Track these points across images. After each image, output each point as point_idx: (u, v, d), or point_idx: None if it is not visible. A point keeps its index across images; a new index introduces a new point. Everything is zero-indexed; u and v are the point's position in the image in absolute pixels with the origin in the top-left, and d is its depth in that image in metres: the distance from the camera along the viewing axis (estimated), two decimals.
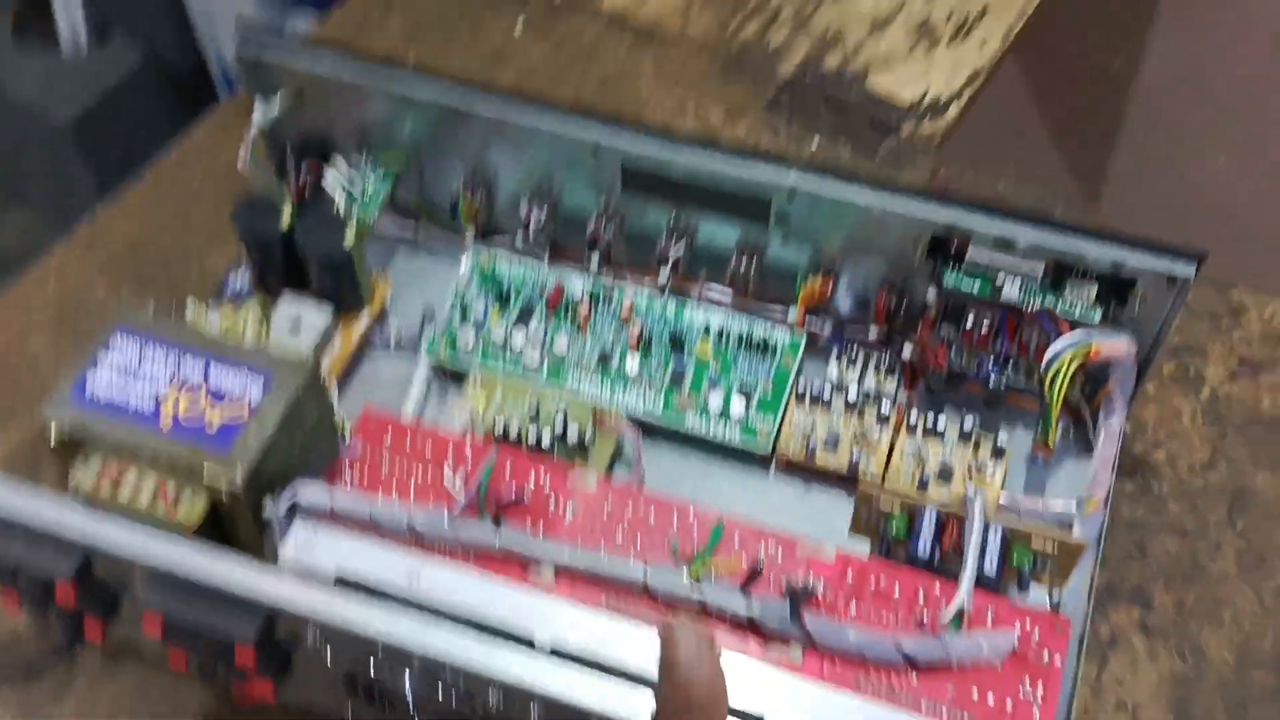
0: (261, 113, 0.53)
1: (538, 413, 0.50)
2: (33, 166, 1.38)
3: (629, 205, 0.53)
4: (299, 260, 0.53)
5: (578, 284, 0.54)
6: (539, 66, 0.68)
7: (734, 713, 0.36)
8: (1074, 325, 0.47)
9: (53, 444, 0.44)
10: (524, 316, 0.53)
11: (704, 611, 0.41)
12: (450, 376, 0.53)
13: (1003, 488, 0.49)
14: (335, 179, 0.54)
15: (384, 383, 0.54)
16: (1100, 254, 0.46)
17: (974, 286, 0.48)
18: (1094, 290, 0.47)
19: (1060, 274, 0.47)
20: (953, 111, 0.65)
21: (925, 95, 0.66)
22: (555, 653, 0.38)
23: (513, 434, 0.50)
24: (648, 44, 0.68)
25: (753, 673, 0.39)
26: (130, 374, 0.45)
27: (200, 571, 0.39)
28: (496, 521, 0.42)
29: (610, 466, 0.50)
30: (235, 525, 0.45)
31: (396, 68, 0.52)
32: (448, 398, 0.53)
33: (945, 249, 0.48)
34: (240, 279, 0.54)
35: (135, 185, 0.64)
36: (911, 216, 0.47)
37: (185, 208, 0.63)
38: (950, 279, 0.48)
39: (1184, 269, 0.45)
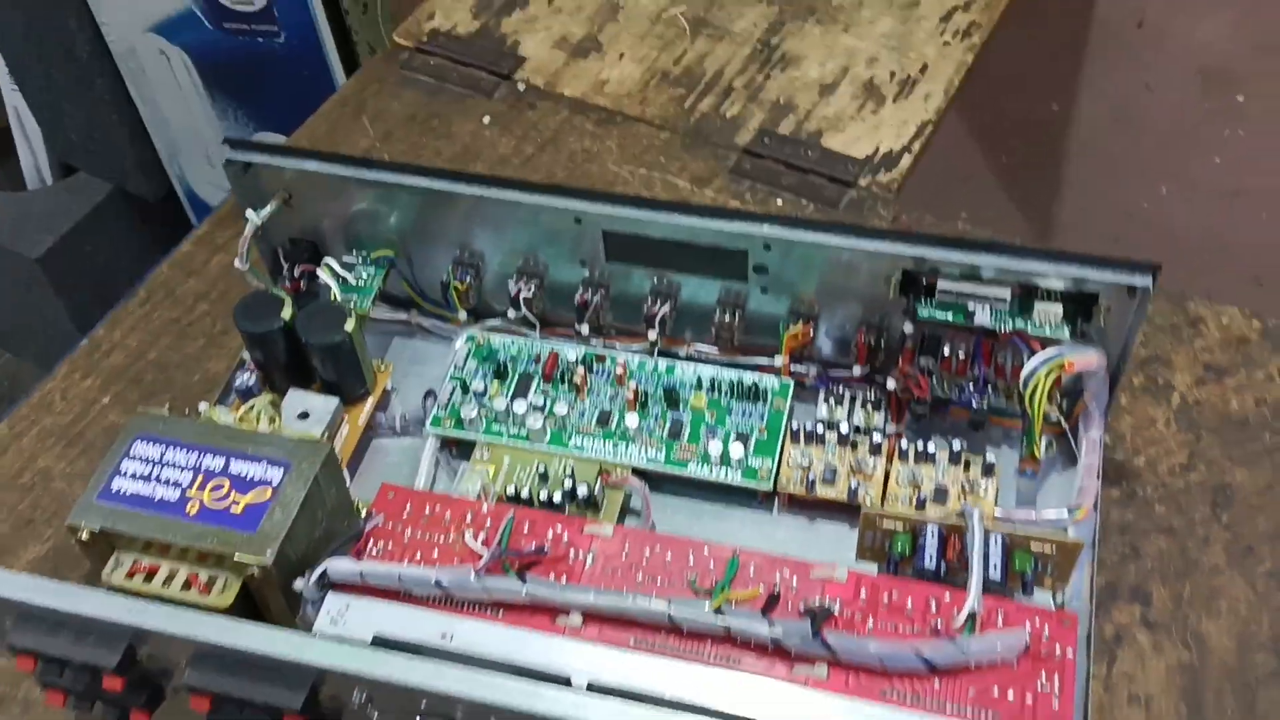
0: (253, 216, 0.56)
1: (546, 474, 0.52)
2: (5, 300, 1.41)
3: (613, 272, 0.56)
4: (301, 354, 0.55)
5: (571, 352, 0.56)
6: (508, 155, 0.71)
7: None
8: (1045, 344, 0.50)
9: (84, 539, 0.46)
10: (522, 387, 0.56)
11: (728, 639, 0.43)
12: (457, 450, 0.55)
13: (996, 503, 0.51)
14: (328, 274, 0.57)
15: (392, 464, 0.56)
16: (1062, 273, 0.49)
17: (947, 316, 0.51)
18: (1060, 309, 0.50)
19: (1027, 297, 0.50)
20: (905, 162, 0.68)
21: (878, 150, 0.69)
22: (592, 688, 0.40)
23: (524, 497, 0.52)
24: (610, 126, 0.72)
25: (783, 694, 0.41)
26: (154, 475, 0.47)
27: (243, 644, 0.40)
28: (521, 575, 0.44)
29: (621, 518, 0.52)
30: (267, 604, 0.46)
31: (377, 163, 0.55)
32: (456, 470, 0.55)
33: (916, 284, 0.51)
34: (246, 377, 0.56)
35: (127, 302, 0.66)
36: (882, 254, 0.50)
37: (180, 318, 0.65)
38: (924, 311, 0.51)
39: (1142, 279, 0.48)
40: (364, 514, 0.49)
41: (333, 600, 0.45)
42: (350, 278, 0.58)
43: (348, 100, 0.75)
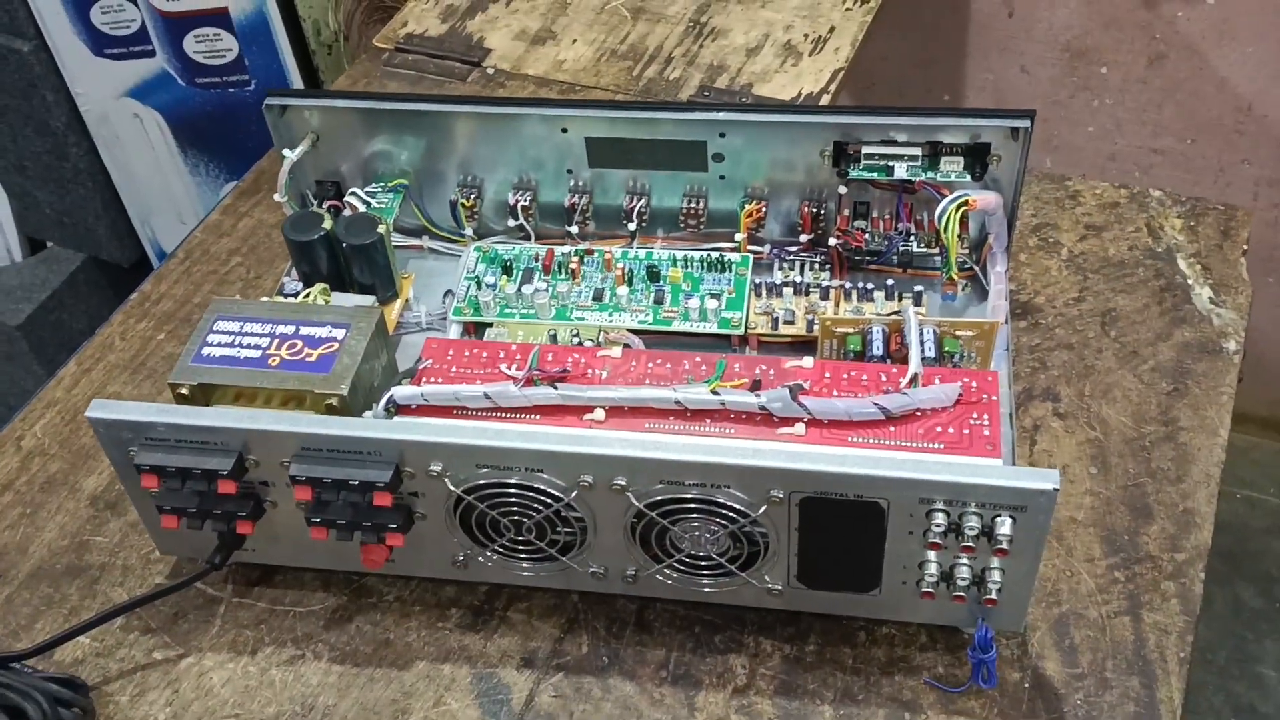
0: (289, 154, 0.66)
1: (555, 338, 0.63)
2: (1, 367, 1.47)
3: (595, 178, 0.67)
4: (340, 261, 0.65)
5: (564, 251, 0.67)
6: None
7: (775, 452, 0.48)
8: (953, 189, 0.62)
9: (184, 393, 0.55)
10: (526, 278, 0.66)
11: (725, 415, 0.53)
12: (476, 335, 0.65)
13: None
14: (356, 199, 0.67)
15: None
16: (959, 124, 0.61)
17: (873, 174, 0.63)
18: (962, 162, 0.62)
19: (934, 154, 0.62)
20: (825, 100, 0.81)
21: (800, 92, 0.82)
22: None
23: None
24: (571, 94, 0.83)
25: (773, 446, 0.51)
26: (237, 342, 0.57)
27: (338, 432, 0.50)
28: (553, 385, 0.54)
29: None
30: None
31: (392, 95, 0.66)
32: None
33: (845, 153, 0.63)
34: (291, 284, 0.66)
35: (166, 263, 0.76)
36: (816, 124, 0.62)
37: (216, 270, 0.75)
38: (853, 172, 0.63)
39: (1021, 121, 0.60)
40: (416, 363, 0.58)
41: (399, 421, 0.55)
42: (375, 203, 0.68)
43: None
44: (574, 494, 0.50)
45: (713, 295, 0.64)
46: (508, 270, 0.67)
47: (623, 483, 0.49)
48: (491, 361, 0.57)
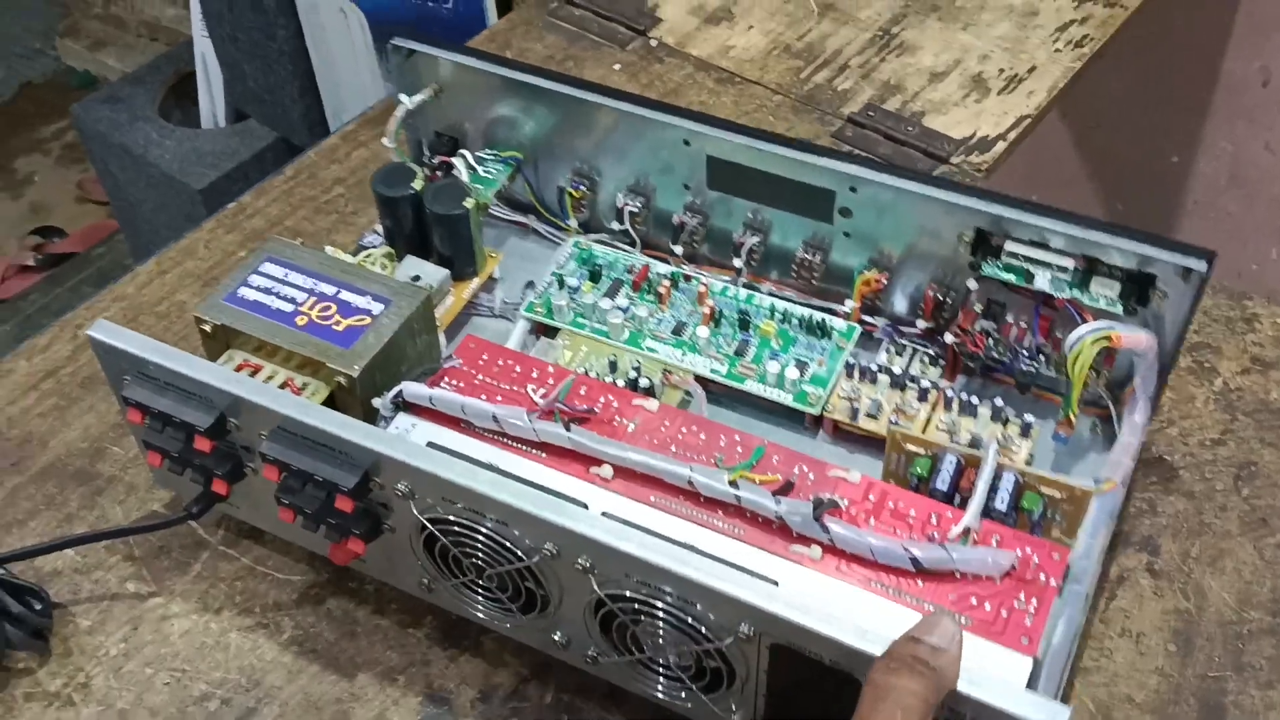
0: (406, 100, 0.63)
1: (615, 365, 0.57)
2: (169, 226, 1.54)
3: (712, 201, 0.60)
4: (424, 225, 0.61)
5: (662, 269, 0.61)
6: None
7: (751, 573, 0.42)
8: (1099, 316, 0.52)
9: (207, 330, 0.53)
10: (612, 290, 0.61)
11: (739, 512, 0.47)
12: (543, 336, 0.61)
13: (1027, 465, 0.53)
14: (462, 162, 0.63)
15: (484, 338, 0.61)
16: (1125, 247, 0.51)
17: (1010, 277, 0.54)
18: (1119, 288, 0.52)
19: (1089, 270, 0.53)
20: (1000, 148, 0.72)
21: (975, 134, 0.73)
22: (606, 515, 0.45)
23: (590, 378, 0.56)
24: (729, 85, 0.77)
25: (772, 562, 0.45)
26: (274, 290, 0.54)
27: (315, 423, 0.46)
28: (567, 425, 0.49)
29: None
30: (348, 415, 0.52)
31: (522, 65, 0.61)
32: (539, 351, 0.60)
33: (987, 244, 0.54)
34: (372, 239, 0.63)
35: (274, 178, 0.74)
36: (959, 207, 0.54)
37: (317, 196, 0.73)
38: (989, 269, 0.54)
39: (1198, 263, 0.50)
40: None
41: (402, 418, 0.51)
42: (481, 171, 0.64)
43: (495, 37, 0.83)
44: (536, 558, 0.44)
45: (801, 362, 0.57)
46: (595, 276, 0.61)
47: (586, 564, 0.43)
48: (522, 378, 0.52)
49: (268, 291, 0.54)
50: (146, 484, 0.58)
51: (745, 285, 0.61)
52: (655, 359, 0.58)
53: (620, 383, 0.56)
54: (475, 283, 0.62)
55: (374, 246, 0.62)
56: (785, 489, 0.47)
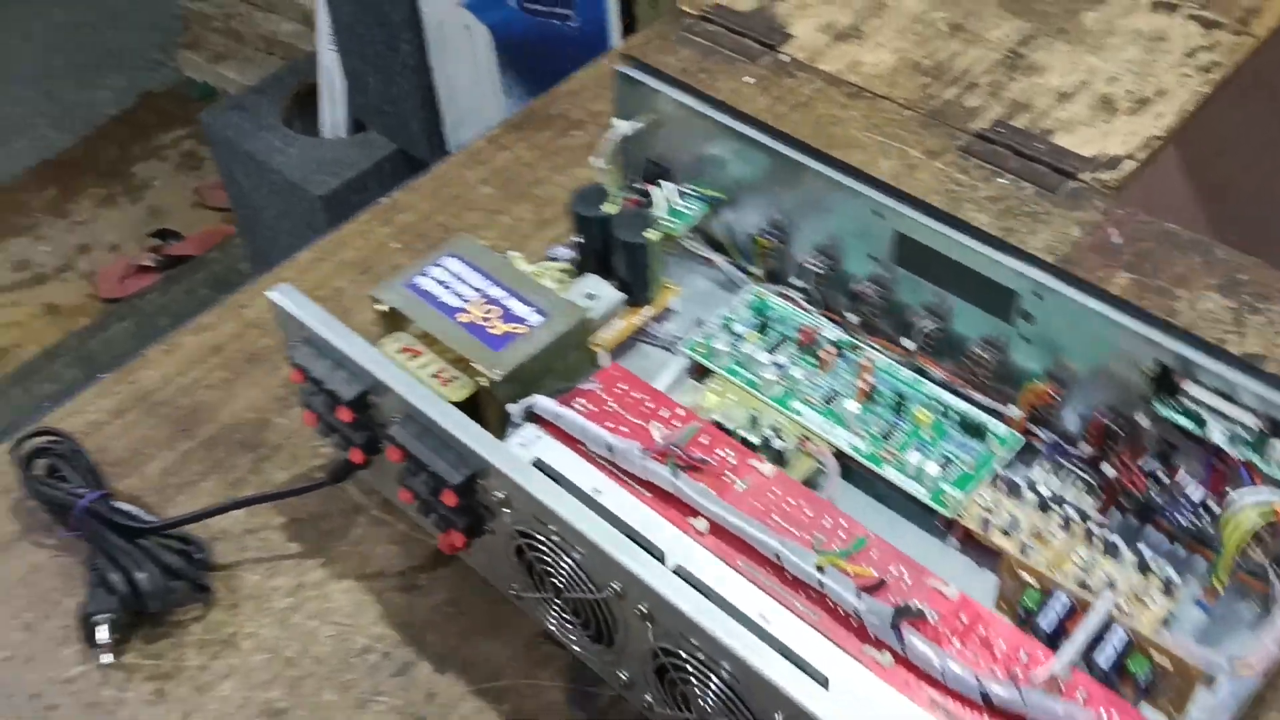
0: (621, 126, 0.64)
1: (756, 421, 0.57)
2: (290, 231, 1.62)
3: (896, 276, 0.59)
4: (610, 248, 0.62)
5: (831, 333, 0.60)
6: (763, 110, 0.77)
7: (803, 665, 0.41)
8: (1271, 485, 0.48)
9: (383, 310, 0.56)
10: (776, 346, 0.60)
11: (821, 600, 0.45)
12: (699, 375, 0.61)
13: (1162, 626, 0.49)
14: (661, 193, 0.64)
15: (641, 366, 0.61)
16: None
17: (1185, 422, 0.50)
18: None
19: (1273, 433, 0.48)
20: (1128, 166, 0.69)
21: (1103, 153, 0.70)
22: (678, 573, 0.45)
23: (726, 429, 0.56)
24: (859, 99, 0.75)
25: (833, 656, 0.43)
26: (449, 285, 0.57)
27: (439, 419, 0.49)
28: (676, 470, 0.49)
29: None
30: (484, 415, 0.54)
31: (743, 115, 0.61)
32: (687, 390, 0.60)
33: (1169, 381, 0.50)
34: (565, 252, 0.65)
35: (421, 179, 0.78)
36: (1145, 338, 0.50)
37: (462, 195, 0.76)
38: (1164, 409, 0.50)
39: None
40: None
41: (530, 429, 0.52)
42: (679, 204, 0.65)
43: (632, 49, 0.84)
44: (605, 593, 0.45)
45: (947, 459, 0.55)
46: (763, 328, 0.61)
47: (644, 610, 0.43)
48: (650, 414, 0.53)
49: (443, 284, 0.57)
50: (309, 453, 0.62)
51: (912, 367, 0.59)
52: (797, 422, 0.57)
53: (754, 440, 0.56)
54: (648, 311, 0.63)
55: (561, 259, 0.64)
56: (874, 586, 0.46)
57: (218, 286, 1.86)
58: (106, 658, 0.54)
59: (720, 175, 0.64)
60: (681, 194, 0.65)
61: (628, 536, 0.45)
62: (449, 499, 0.49)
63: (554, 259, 0.64)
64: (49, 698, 0.53)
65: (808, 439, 0.56)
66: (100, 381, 0.68)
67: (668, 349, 0.63)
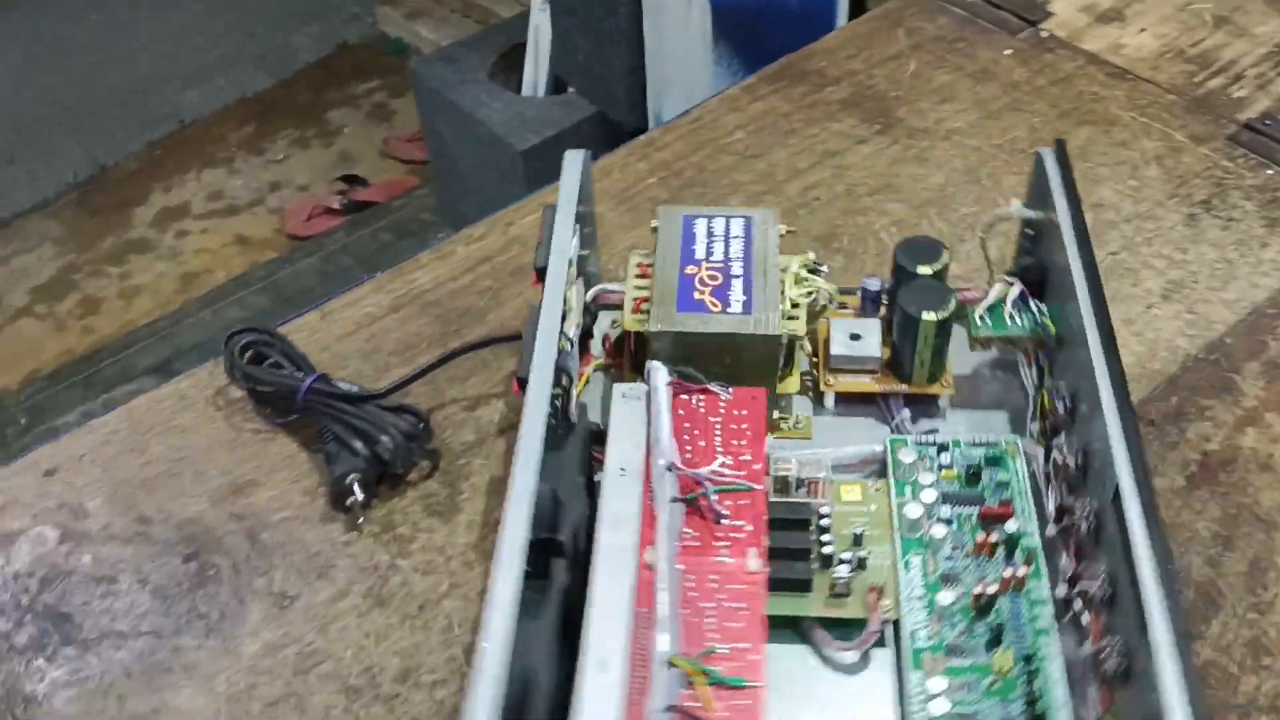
0: (1018, 208, 0.62)
1: (857, 540, 0.52)
2: (485, 182, 1.68)
3: None
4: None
5: (1015, 526, 0.52)
6: (1021, 82, 0.80)
7: None
8: None
9: (652, 228, 0.61)
10: (961, 500, 0.54)
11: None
12: (874, 470, 0.57)
13: None
14: (1002, 291, 0.60)
15: (842, 433, 0.59)
16: None
17: None
18: None
19: None
20: None
21: None
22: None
23: (823, 523, 0.53)
24: (1120, 80, 0.78)
25: None
26: (716, 237, 0.59)
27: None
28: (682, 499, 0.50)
29: (833, 625, 0.51)
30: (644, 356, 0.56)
31: None
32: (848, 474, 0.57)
33: None
34: (876, 284, 0.63)
35: (680, 118, 0.82)
36: None
37: (718, 138, 0.81)
38: None
39: None
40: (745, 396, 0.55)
41: (642, 386, 0.54)
42: (1011, 311, 0.60)
43: (888, 15, 0.89)
44: None
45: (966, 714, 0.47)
46: (973, 479, 0.54)
47: None
48: (736, 449, 0.52)
49: (710, 235, 0.58)
50: None
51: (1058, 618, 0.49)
52: (885, 567, 0.52)
53: (831, 540, 0.52)
54: (892, 386, 0.59)
55: (869, 289, 0.62)
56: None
57: (399, 233, 1.97)
58: (369, 527, 0.58)
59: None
60: (1023, 302, 0.60)
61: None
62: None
63: (860, 291, 0.63)
64: (326, 558, 0.58)
65: (876, 590, 0.51)
66: (376, 278, 0.72)
67: (893, 430, 0.59)
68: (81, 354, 1.83)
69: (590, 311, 0.64)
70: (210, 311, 1.87)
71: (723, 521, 0.50)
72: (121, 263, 1.99)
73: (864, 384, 0.60)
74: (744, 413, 0.54)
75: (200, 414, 0.66)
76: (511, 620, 0.42)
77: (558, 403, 0.54)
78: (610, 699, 0.41)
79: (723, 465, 0.51)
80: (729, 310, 0.56)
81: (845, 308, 0.64)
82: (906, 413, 0.60)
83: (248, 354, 0.65)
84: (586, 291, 0.63)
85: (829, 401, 0.61)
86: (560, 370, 0.54)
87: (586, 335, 0.63)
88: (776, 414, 0.59)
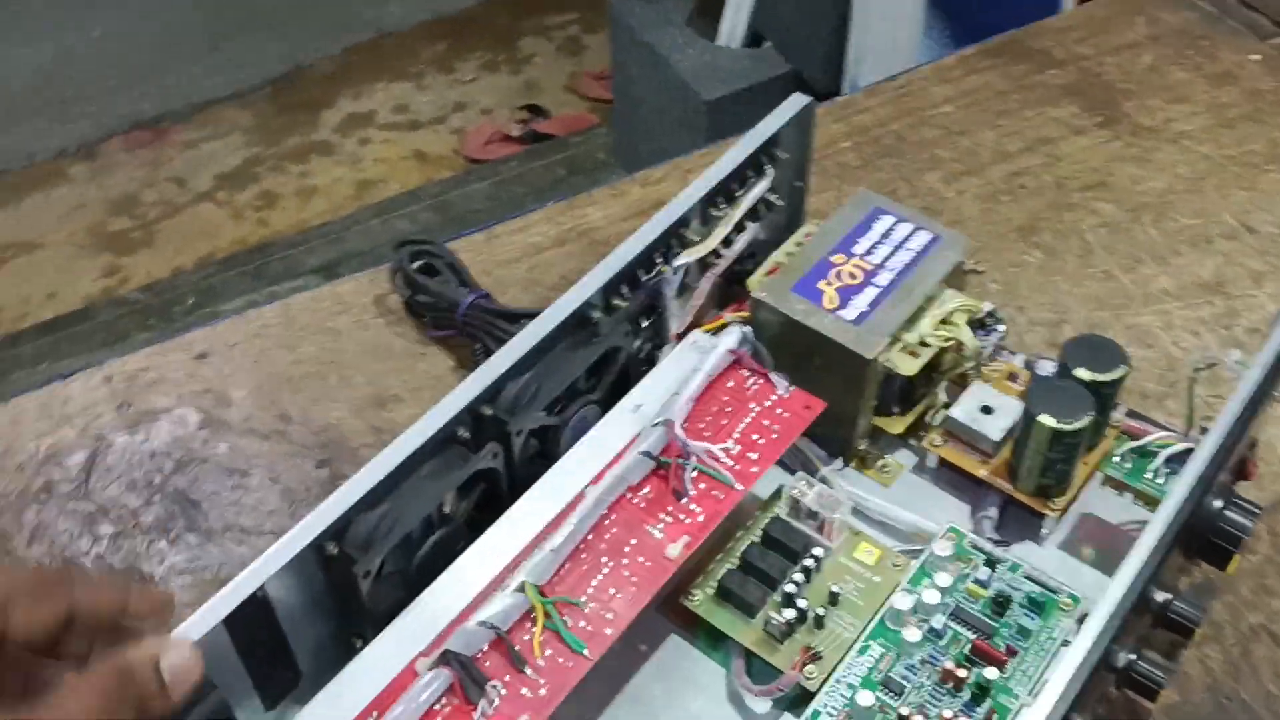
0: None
1: (831, 599, 0.48)
2: (663, 128, 1.63)
3: None
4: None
5: (995, 675, 0.45)
6: (1264, 91, 0.74)
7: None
8: None
9: None
10: (964, 621, 0.47)
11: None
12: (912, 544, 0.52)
13: None
14: (1167, 442, 0.52)
15: (928, 493, 0.54)
16: None
17: None
18: None
19: None
20: None
21: None
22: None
23: (807, 563, 0.49)
24: None
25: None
26: (887, 238, 0.55)
27: None
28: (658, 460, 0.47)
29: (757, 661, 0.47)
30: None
31: None
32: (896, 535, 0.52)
33: None
34: (1048, 368, 0.55)
35: (884, 82, 0.78)
36: None
37: (923, 110, 0.77)
38: None
39: None
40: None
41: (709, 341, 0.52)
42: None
43: (1129, 2, 0.81)
44: None
45: None
46: (1002, 607, 0.48)
47: None
48: (761, 446, 0.51)
49: (885, 235, 0.54)
50: None
51: None
52: (840, 638, 0.47)
53: (788, 611, 0.47)
54: (1004, 485, 0.52)
55: (1040, 367, 0.56)
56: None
57: (573, 169, 1.96)
58: None
59: None
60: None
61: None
62: None
63: (1027, 363, 0.56)
64: None
65: (815, 658, 0.46)
66: (547, 208, 0.71)
67: (974, 525, 0.53)
68: (254, 245, 1.87)
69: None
70: (380, 221, 1.89)
71: (681, 500, 0.47)
72: (303, 161, 2.03)
73: (969, 461, 0.53)
74: (786, 414, 0.50)
75: (355, 320, 0.65)
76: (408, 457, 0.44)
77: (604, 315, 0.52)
78: (458, 586, 0.43)
79: (723, 450, 0.48)
80: (840, 313, 0.51)
81: (1014, 379, 0.55)
82: (994, 514, 0.52)
83: (416, 263, 0.64)
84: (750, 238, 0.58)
85: (930, 462, 0.54)
86: (651, 291, 0.52)
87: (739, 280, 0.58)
88: (865, 445, 0.55)
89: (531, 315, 0.59)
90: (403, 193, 1.96)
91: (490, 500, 0.47)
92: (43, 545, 0.54)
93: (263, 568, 0.42)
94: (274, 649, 0.43)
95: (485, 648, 0.42)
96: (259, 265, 1.83)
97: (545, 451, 0.49)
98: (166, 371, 0.62)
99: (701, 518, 0.47)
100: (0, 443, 0.58)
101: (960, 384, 0.55)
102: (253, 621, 0.41)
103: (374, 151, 2.06)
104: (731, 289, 0.58)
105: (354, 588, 0.43)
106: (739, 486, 0.48)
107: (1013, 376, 0.56)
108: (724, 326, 0.54)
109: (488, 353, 0.58)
